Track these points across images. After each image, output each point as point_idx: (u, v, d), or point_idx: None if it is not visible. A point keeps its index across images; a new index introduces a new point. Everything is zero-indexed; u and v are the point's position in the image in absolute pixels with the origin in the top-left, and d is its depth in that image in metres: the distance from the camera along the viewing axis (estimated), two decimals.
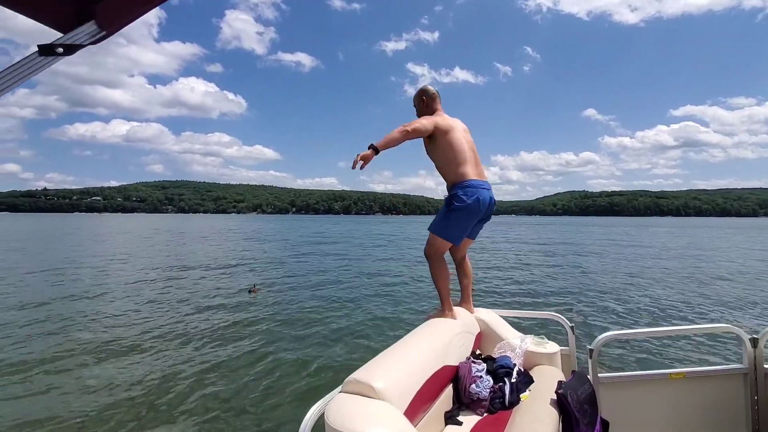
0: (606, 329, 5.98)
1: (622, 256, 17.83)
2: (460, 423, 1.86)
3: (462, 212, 2.27)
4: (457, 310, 2.43)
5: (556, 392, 1.79)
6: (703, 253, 19.13)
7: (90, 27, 0.65)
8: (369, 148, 2.08)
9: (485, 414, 1.93)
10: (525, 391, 2.01)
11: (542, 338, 2.31)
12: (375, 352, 1.79)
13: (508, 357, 2.14)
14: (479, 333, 2.37)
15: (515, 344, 2.23)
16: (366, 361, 1.63)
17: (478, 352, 2.32)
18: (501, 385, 1.99)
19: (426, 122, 2.30)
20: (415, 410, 1.57)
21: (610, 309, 7.57)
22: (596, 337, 2.19)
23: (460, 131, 2.41)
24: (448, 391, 1.98)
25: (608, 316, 7.06)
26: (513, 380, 2.01)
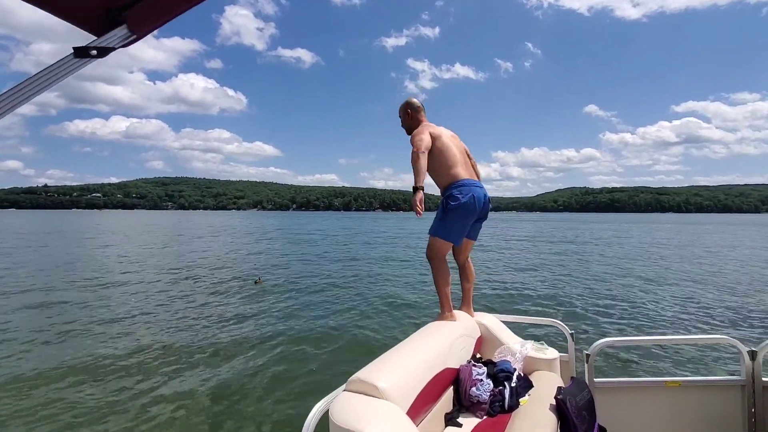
0: (605, 335, 6.01)
1: (622, 257, 17.83)
2: (460, 425, 1.90)
3: (458, 211, 2.33)
4: (458, 313, 2.47)
5: (555, 398, 1.81)
6: (703, 253, 19.12)
7: (122, 31, 0.69)
8: (414, 192, 2.22)
9: (485, 417, 1.96)
10: (524, 395, 2.05)
11: (542, 344, 2.35)
12: (378, 351, 1.83)
13: (509, 361, 2.18)
14: (480, 337, 2.41)
15: (515, 349, 2.27)
16: (369, 361, 1.66)
17: (478, 355, 2.35)
18: (501, 389, 2.03)
19: (425, 136, 2.40)
20: (416, 411, 1.60)
21: (610, 314, 7.56)
22: (592, 341, 2.22)
23: (447, 137, 2.51)
24: (449, 393, 2.01)
25: (607, 322, 7.06)
26: (513, 384, 2.04)
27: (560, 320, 2.41)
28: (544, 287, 10.36)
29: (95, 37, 0.67)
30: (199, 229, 39.75)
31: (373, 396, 1.43)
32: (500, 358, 2.24)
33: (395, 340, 2.07)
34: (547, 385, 2.09)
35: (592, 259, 16.75)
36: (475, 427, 1.88)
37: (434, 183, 2.53)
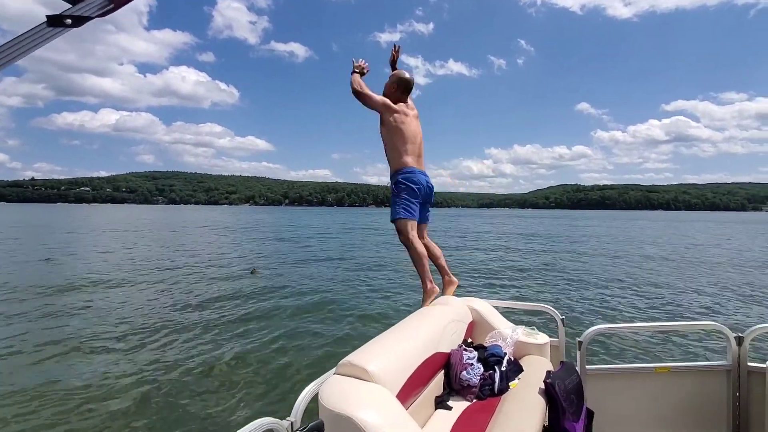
0: (595, 323, 6.10)
1: (612, 250, 18.06)
2: (449, 408, 1.91)
3: (406, 191, 2.58)
4: (449, 299, 2.49)
5: (544, 381, 1.83)
6: (691, 247, 19.44)
7: None
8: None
9: (474, 400, 1.97)
10: (514, 379, 2.06)
11: (533, 329, 2.36)
12: (368, 336, 1.83)
13: (499, 346, 2.18)
14: (471, 322, 2.41)
15: (506, 334, 2.28)
16: (360, 345, 1.65)
17: (469, 340, 2.36)
18: (491, 373, 2.03)
19: (377, 98, 2.61)
20: (406, 394, 1.60)
21: (600, 303, 7.69)
22: (585, 329, 2.23)
23: (410, 118, 2.66)
24: (439, 376, 2.02)
25: (597, 310, 7.18)
26: (503, 369, 2.05)
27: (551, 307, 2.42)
28: (536, 278, 10.46)
29: (70, 5, 0.63)
30: (193, 223, 39.38)
31: (363, 379, 1.42)
32: (491, 343, 2.24)
33: (386, 325, 2.07)
34: (537, 370, 2.10)
35: (584, 252, 16.95)
36: (465, 410, 1.89)
37: (387, 162, 2.72)
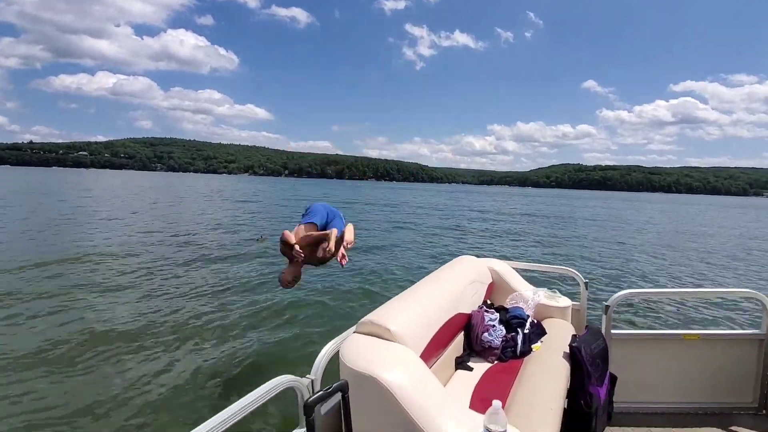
0: (618, 288, 6.02)
1: (628, 226, 18.05)
2: (470, 369, 1.86)
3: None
4: (468, 258, 2.39)
5: (570, 345, 1.78)
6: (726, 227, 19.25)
7: None
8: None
9: (496, 362, 1.92)
10: (537, 342, 2.00)
11: (555, 292, 2.29)
12: (385, 297, 1.76)
13: (521, 308, 2.12)
14: (491, 283, 2.35)
15: (528, 296, 2.21)
16: (378, 306, 1.59)
17: (489, 301, 2.30)
18: (513, 335, 1.97)
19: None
20: (429, 355, 1.56)
21: (623, 269, 7.60)
22: (610, 294, 2.16)
23: None
24: (460, 337, 1.97)
25: (621, 276, 7.07)
26: (526, 331, 1.99)
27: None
28: (558, 245, 10.38)
29: None
30: (196, 191, 39.24)
31: (385, 338, 1.37)
32: (512, 305, 2.18)
33: (402, 287, 1.99)
34: (559, 333, 2.05)
35: (603, 225, 16.87)
36: (488, 370, 1.84)
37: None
